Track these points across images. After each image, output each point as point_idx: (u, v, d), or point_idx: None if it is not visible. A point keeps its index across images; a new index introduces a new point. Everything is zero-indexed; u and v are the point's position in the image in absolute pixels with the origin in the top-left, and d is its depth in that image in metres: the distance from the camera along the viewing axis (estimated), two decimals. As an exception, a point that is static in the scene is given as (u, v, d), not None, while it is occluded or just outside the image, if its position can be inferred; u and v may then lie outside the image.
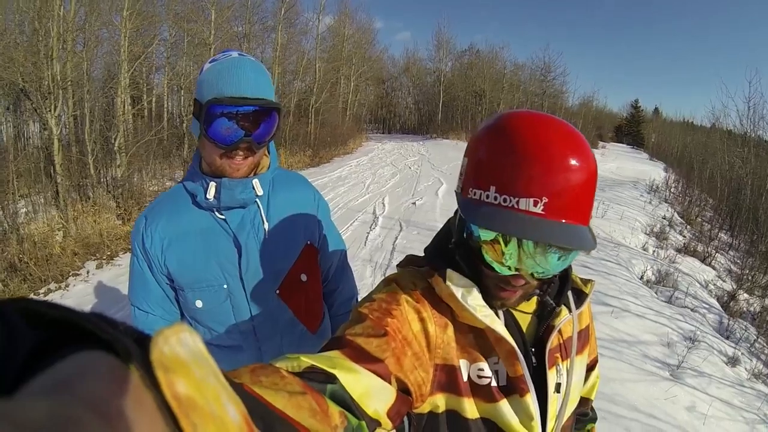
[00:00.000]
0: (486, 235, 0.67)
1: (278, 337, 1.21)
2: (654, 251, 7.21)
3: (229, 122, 1.01)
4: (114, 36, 8.79)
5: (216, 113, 1.00)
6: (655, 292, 5.12)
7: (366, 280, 4.59)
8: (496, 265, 0.68)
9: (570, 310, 0.80)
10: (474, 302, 0.71)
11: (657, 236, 8.21)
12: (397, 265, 0.87)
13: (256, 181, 1.11)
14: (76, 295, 4.40)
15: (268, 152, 1.22)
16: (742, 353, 3.96)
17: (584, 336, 0.88)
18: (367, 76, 26.63)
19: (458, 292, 0.71)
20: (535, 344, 0.78)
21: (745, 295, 6.09)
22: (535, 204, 0.62)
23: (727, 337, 4.41)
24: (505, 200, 0.64)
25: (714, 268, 7.31)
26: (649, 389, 3.11)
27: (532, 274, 0.68)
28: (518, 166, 0.63)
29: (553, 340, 0.77)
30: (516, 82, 29.63)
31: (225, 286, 1.13)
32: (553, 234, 0.62)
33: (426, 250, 0.84)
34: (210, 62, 1.07)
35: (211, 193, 1.08)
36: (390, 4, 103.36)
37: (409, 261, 0.86)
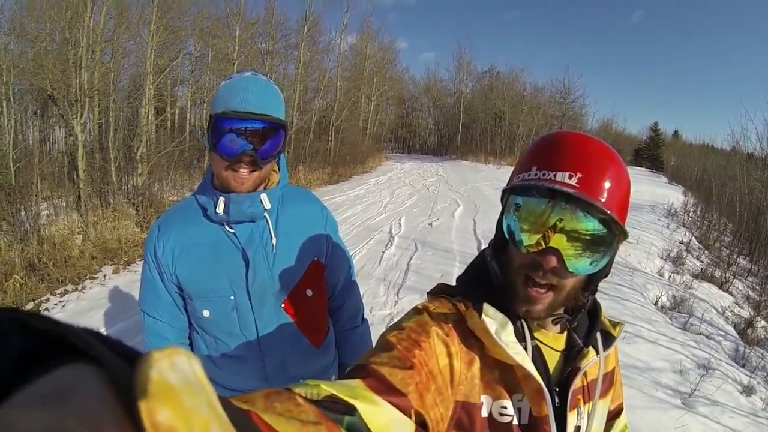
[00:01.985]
0: (515, 213, 0.72)
1: (282, 349, 1.23)
2: (670, 276, 7.09)
3: (237, 137, 1.06)
4: (141, 48, 9.08)
5: (225, 128, 1.05)
6: (670, 318, 5.02)
7: (379, 298, 4.59)
8: (526, 237, 0.70)
9: (597, 352, 0.79)
10: (507, 338, 0.71)
11: (673, 261, 8.07)
12: (428, 293, 0.86)
13: (264, 196, 1.14)
14: (92, 297, 4.49)
15: (278, 168, 1.25)
16: (758, 382, 3.85)
17: (609, 380, 0.85)
18: (388, 95, 26.92)
19: (492, 327, 0.71)
20: (559, 384, 0.76)
21: (763, 323, 5.93)
22: (570, 177, 0.67)
23: (743, 366, 4.30)
24: (544, 174, 0.69)
25: (731, 294, 7.15)
26: (660, 417, 3.05)
27: (563, 262, 0.68)
28: (558, 149, 0.71)
29: (578, 382, 0.76)
30: (536, 105, 29.66)
31: (232, 298, 1.17)
32: (584, 203, 0.66)
33: (458, 279, 0.84)
34: (225, 80, 1.12)
35: (220, 208, 1.12)
36: (415, 25, 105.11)
37: (441, 290, 0.85)
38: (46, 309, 4.26)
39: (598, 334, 0.81)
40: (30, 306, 4.29)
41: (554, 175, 0.68)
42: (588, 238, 0.67)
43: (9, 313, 0.17)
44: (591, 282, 0.75)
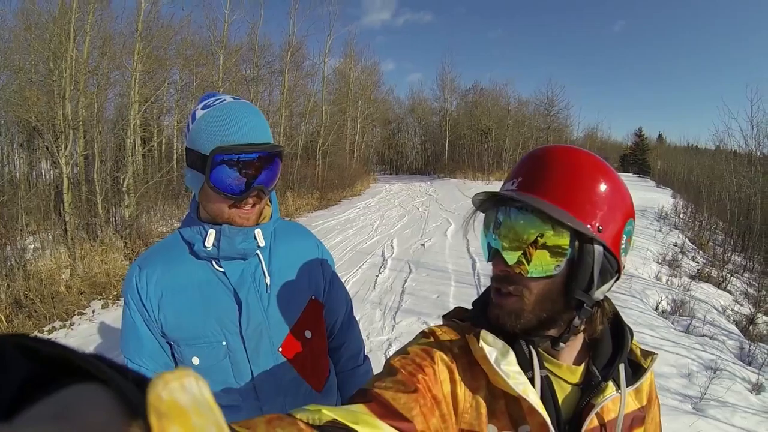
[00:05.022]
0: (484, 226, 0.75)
1: (281, 397, 1.14)
2: (668, 280, 7.08)
3: (230, 170, 0.96)
4: (125, 78, 9.07)
5: (216, 161, 0.95)
6: (672, 322, 4.98)
7: (376, 323, 4.50)
8: (482, 244, 0.74)
9: (619, 387, 0.71)
10: (508, 368, 0.67)
11: (669, 264, 8.08)
12: (443, 316, 0.83)
13: (258, 231, 1.06)
14: (81, 334, 4.35)
15: (270, 202, 1.16)
16: (767, 379, 3.81)
17: (637, 419, 0.75)
18: (373, 117, 27.03)
19: (491, 355, 0.67)
20: (571, 421, 0.69)
21: (765, 318, 5.93)
22: (512, 183, 0.71)
23: (749, 363, 4.26)
24: (500, 189, 0.74)
25: (730, 292, 7.16)
26: (672, 425, 2.97)
27: (507, 258, 0.68)
28: (516, 166, 0.74)
29: (592, 420, 0.69)
30: (521, 118, 29.79)
31: (224, 343, 1.07)
32: (517, 202, 0.67)
33: (474, 303, 0.81)
34: (203, 108, 1.01)
35: (210, 241, 1.03)
36: (402, 47, 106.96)
37: (456, 313, 0.82)
38: (34, 347, 4.11)
39: (621, 367, 0.73)
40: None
41: (503, 187, 0.73)
42: (537, 238, 0.66)
43: (14, 339, 0.18)
44: (568, 293, 0.68)
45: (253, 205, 1.02)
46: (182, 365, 1.09)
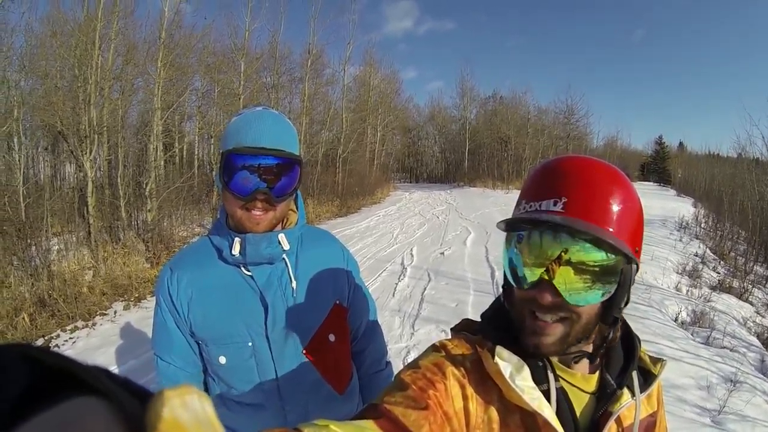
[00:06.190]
0: (517, 245, 0.69)
1: (303, 397, 1.17)
2: (687, 290, 6.95)
3: (251, 175, 1.01)
4: (149, 85, 9.28)
5: (237, 165, 1.00)
6: (691, 334, 4.89)
7: (395, 331, 4.52)
8: (529, 271, 0.66)
9: (633, 394, 0.72)
10: (522, 383, 0.66)
11: (690, 275, 7.93)
12: (451, 329, 0.83)
13: (282, 236, 1.10)
14: (103, 334, 4.46)
15: (296, 207, 1.20)
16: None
17: (650, 424, 0.77)
18: (393, 125, 27.11)
19: (506, 371, 0.67)
20: (590, 429, 0.70)
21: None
22: (555, 204, 0.65)
23: (771, 378, 4.16)
24: (530, 206, 0.68)
25: (752, 303, 7.00)
26: (690, 437, 2.93)
27: (562, 292, 0.64)
28: (546, 176, 0.69)
29: (611, 428, 0.69)
30: (540, 127, 29.68)
31: (250, 344, 1.11)
32: (568, 224, 0.62)
33: (482, 315, 0.80)
34: (235, 115, 1.08)
35: (236, 249, 1.07)
36: (423, 55, 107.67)
37: (464, 326, 0.82)
38: (56, 345, 4.23)
39: (635, 374, 0.74)
40: (40, 342, 4.26)
41: (540, 205, 0.66)
42: (596, 269, 0.63)
43: (18, 349, 0.18)
44: (607, 312, 0.68)
45: (266, 211, 1.05)
46: (210, 364, 1.14)
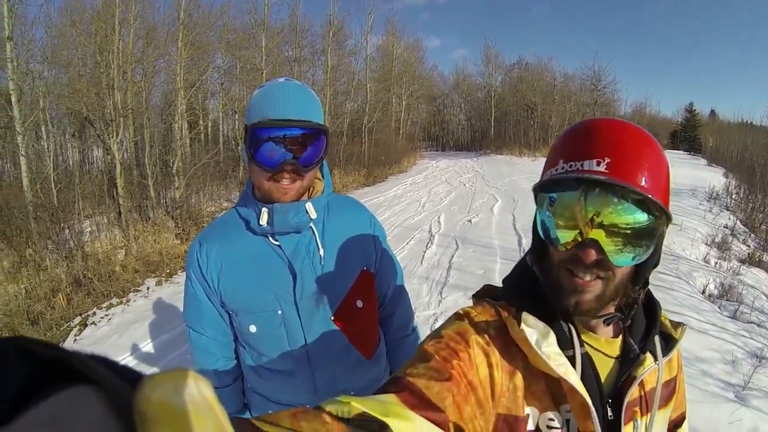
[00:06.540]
0: (553, 206, 0.68)
1: (332, 363, 1.19)
2: (716, 263, 6.80)
3: (276, 146, 1.02)
4: (170, 65, 9.40)
5: (263, 137, 1.01)
6: (718, 307, 4.82)
7: (422, 298, 4.58)
8: (562, 233, 0.66)
9: (656, 358, 0.72)
10: (548, 349, 0.66)
11: (719, 247, 7.74)
12: (473, 296, 0.83)
13: (309, 205, 1.10)
14: (137, 310, 4.66)
15: (322, 176, 1.21)
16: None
17: (671, 388, 0.78)
18: (418, 94, 26.86)
19: (532, 337, 0.67)
20: (614, 395, 0.70)
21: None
22: (599, 164, 0.63)
23: (799, 354, 4.09)
24: (570, 166, 0.65)
25: (783, 278, 6.81)
26: (713, 412, 2.92)
27: (603, 251, 0.63)
28: (584, 137, 0.67)
29: (634, 392, 0.70)
30: (567, 94, 28.81)
31: (279, 312, 1.13)
32: (619, 184, 0.61)
33: (504, 281, 0.80)
34: (258, 88, 1.09)
35: (264, 219, 1.08)
36: (447, 23, 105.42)
37: (486, 292, 0.81)
38: (93, 323, 4.44)
39: (657, 338, 0.74)
40: (77, 320, 4.49)
41: (581, 165, 0.64)
42: (629, 231, 0.63)
43: (13, 342, 0.17)
44: (639, 273, 0.69)
45: (293, 181, 1.06)
46: (240, 333, 1.19)
